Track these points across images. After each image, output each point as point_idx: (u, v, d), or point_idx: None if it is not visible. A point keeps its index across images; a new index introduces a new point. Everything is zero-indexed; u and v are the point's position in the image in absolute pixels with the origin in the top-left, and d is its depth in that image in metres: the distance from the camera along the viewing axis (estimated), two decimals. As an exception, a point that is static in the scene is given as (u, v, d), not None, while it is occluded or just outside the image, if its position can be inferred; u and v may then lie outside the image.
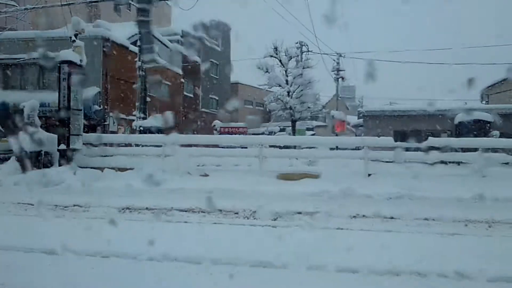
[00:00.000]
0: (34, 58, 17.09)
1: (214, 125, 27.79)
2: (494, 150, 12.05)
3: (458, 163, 12.53)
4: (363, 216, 7.21)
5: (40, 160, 10.95)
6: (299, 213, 7.25)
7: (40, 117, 12.49)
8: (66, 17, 14.13)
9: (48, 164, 10.95)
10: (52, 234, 5.34)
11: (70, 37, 11.90)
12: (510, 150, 12.25)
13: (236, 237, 5.78)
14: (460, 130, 17.85)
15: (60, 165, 10.94)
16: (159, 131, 14.01)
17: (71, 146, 11.20)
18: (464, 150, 11.77)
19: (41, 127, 12.07)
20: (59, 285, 3.74)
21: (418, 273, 4.01)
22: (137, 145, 13.15)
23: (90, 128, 15.50)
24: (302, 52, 29.48)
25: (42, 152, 11.08)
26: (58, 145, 11.13)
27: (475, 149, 11.30)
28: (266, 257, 4.29)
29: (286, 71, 27.45)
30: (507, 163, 11.31)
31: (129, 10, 30.02)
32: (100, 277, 3.97)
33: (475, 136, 15.78)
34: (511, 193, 8.26)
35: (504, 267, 4.20)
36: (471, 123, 17.66)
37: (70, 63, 11.27)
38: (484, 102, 29.39)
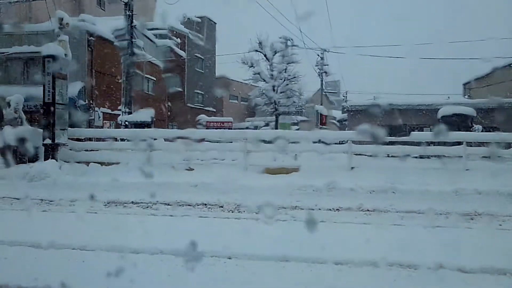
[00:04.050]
0: (18, 52, 16.92)
1: (200, 119, 27.76)
2: (477, 144, 12.27)
3: (441, 156, 12.77)
4: (347, 209, 7.34)
5: (25, 154, 10.89)
6: (283, 206, 7.35)
7: (25, 112, 12.40)
8: (50, 11, 14.00)
9: (33, 159, 10.89)
10: (37, 228, 5.37)
11: (54, 31, 11.80)
12: (491, 144, 12.50)
13: (221, 230, 5.87)
14: (443, 124, 18.12)
15: (45, 159, 10.87)
16: (145, 125, 14.02)
17: (56, 141, 11.13)
18: (447, 144, 11.98)
19: (26, 121, 11.98)
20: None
21: (400, 265, 4.14)
22: (122, 140, 13.13)
23: (75, 123, 15.39)
24: (287, 47, 29.55)
25: (28, 147, 11.00)
26: (43, 139, 11.06)
27: (458, 143, 11.50)
28: (251, 249, 4.40)
29: (271, 65, 27.48)
30: (488, 157, 11.53)
31: (109, 3, 29.75)
32: (88, 270, 4.05)
33: (458, 130, 16.06)
34: (492, 186, 8.47)
35: (485, 259, 4.30)
36: (454, 118, 17.95)
37: (54, 57, 11.17)
38: (466, 96, 29.83)
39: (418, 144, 11.74)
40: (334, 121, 37.66)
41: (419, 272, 4.01)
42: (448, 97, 27.61)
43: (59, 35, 11.62)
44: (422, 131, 18.14)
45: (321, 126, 27.54)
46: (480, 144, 12.22)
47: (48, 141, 11.04)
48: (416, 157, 11.72)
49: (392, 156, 11.64)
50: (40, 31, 16.55)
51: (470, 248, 4.78)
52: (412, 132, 12.39)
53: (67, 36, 11.83)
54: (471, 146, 11.73)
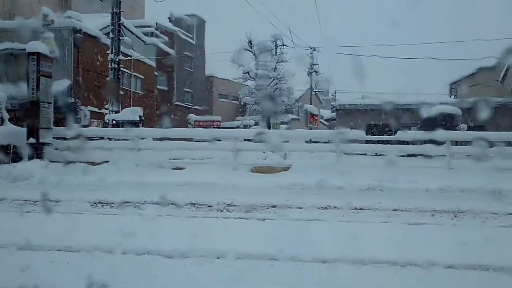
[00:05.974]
0: (1, 49, 16.62)
1: (189, 119, 27.61)
2: (462, 142, 12.39)
3: (428, 155, 12.85)
4: (335, 207, 7.35)
5: (8, 154, 10.70)
6: (273, 205, 7.33)
7: (8, 110, 12.19)
8: (34, 7, 13.79)
9: (17, 159, 10.71)
10: (19, 230, 5.27)
11: (39, 28, 11.62)
12: (476, 143, 12.61)
13: (210, 230, 5.83)
14: (429, 123, 18.25)
15: (29, 159, 10.70)
16: (132, 124, 13.90)
17: (41, 140, 10.96)
18: (433, 143, 12.06)
19: (9, 120, 11.77)
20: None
21: (389, 262, 4.14)
22: (109, 139, 12.99)
23: (61, 122, 15.17)
24: (276, 46, 29.53)
25: (11, 146, 10.82)
26: (28, 139, 10.88)
27: (443, 142, 11.59)
28: (242, 249, 4.38)
29: (260, 64, 27.42)
30: (473, 155, 11.64)
31: (101, 1, 29.49)
32: (70, 270, 3.97)
33: (443, 129, 16.16)
34: (475, 184, 8.57)
35: (466, 255, 4.34)
36: (439, 117, 18.09)
37: (39, 54, 11.00)
38: (452, 96, 30.16)
39: (405, 143, 11.82)
40: (322, 120, 37.74)
41: (406, 269, 4.02)
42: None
43: (44, 32, 11.44)
44: (410, 130, 18.28)
45: (311, 125, 27.57)
46: (465, 143, 12.34)
47: (32, 140, 10.85)
48: (402, 156, 11.78)
49: (380, 155, 11.70)
50: (24, 27, 16.27)
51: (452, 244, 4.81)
52: (399, 131, 12.44)
53: (52, 33, 11.66)
54: (456, 144, 11.85)
